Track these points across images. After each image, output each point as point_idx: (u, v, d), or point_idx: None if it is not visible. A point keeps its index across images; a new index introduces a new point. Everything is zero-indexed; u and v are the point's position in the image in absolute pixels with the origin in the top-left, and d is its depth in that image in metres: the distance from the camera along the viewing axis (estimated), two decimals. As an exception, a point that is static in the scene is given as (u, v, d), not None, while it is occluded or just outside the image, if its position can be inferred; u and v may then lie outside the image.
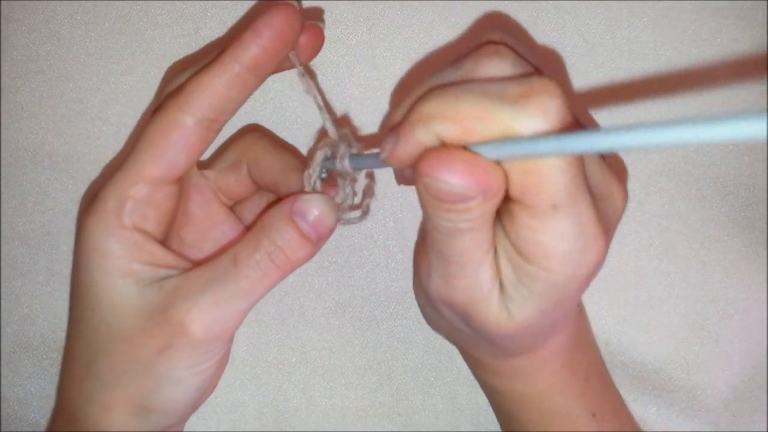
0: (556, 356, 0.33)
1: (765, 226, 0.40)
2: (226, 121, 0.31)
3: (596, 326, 0.41)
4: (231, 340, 0.32)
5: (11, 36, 0.40)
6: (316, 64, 0.40)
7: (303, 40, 0.32)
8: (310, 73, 0.32)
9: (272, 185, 0.35)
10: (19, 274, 0.41)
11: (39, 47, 0.40)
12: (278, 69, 0.32)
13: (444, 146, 0.25)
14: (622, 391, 0.41)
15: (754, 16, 0.39)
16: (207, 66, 0.30)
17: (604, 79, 0.39)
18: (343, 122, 0.40)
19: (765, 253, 0.41)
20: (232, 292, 0.30)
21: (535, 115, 0.23)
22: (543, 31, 0.39)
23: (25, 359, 0.42)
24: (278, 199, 0.35)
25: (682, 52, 0.39)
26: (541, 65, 0.29)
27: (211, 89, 0.30)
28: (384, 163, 0.28)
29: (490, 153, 0.24)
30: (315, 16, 0.39)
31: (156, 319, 0.30)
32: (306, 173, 0.33)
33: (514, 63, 0.27)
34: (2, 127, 0.40)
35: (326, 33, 0.39)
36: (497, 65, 0.27)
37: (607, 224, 0.28)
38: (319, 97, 0.33)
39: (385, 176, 0.40)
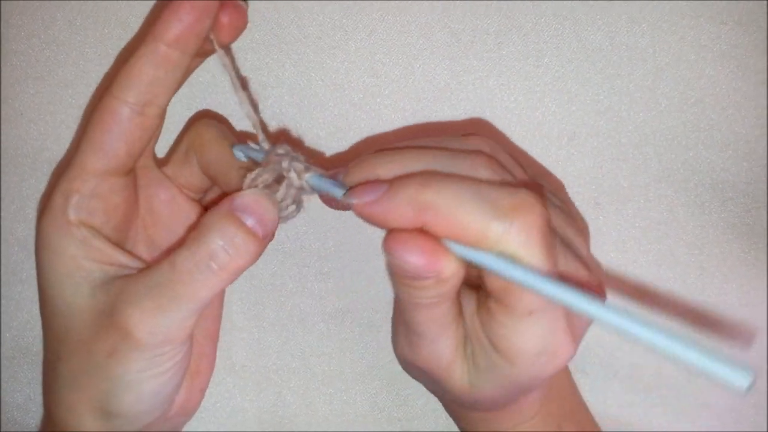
0: (527, 409, 0.34)
1: (764, 231, 0.40)
2: (162, 105, 0.31)
3: (597, 331, 0.41)
4: (185, 343, 0.30)
5: (10, 41, 0.40)
6: (315, 70, 0.40)
7: (225, 18, 0.31)
8: (230, 55, 0.33)
9: (215, 178, 0.34)
10: (18, 280, 0.41)
11: (38, 53, 0.40)
12: (202, 53, 0.32)
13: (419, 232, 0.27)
14: (623, 395, 0.42)
15: (753, 21, 0.39)
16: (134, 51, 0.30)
17: (602, 84, 0.39)
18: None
19: (764, 258, 0.41)
20: (170, 299, 0.28)
21: (519, 237, 0.25)
22: (541, 36, 0.39)
23: (24, 365, 0.42)
24: (220, 197, 0.34)
25: (681, 58, 0.39)
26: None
27: (137, 72, 0.30)
28: (344, 203, 0.29)
29: (465, 254, 0.26)
30: None
31: (104, 321, 0.29)
32: (248, 177, 0.31)
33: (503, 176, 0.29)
34: (2, 133, 0.40)
35: (325, 39, 0.39)
36: (489, 175, 0.29)
37: (578, 326, 0.29)
38: (236, 79, 0.32)
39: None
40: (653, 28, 0.39)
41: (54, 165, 0.40)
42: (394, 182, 0.27)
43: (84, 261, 0.30)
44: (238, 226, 0.29)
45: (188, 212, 0.35)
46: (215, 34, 0.32)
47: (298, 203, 0.32)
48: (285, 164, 0.31)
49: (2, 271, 0.41)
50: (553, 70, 0.39)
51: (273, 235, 0.30)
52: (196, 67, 0.34)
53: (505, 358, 0.28)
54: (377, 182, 0.28)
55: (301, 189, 0.31)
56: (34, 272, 0.41)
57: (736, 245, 0.40)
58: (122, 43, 0.39)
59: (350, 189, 0.28)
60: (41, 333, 0.41)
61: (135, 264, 0.31)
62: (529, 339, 0.27)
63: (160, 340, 0.29)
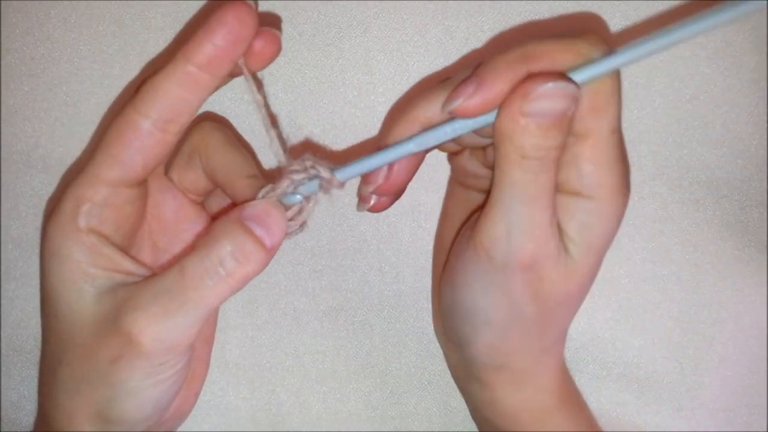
0: (555, 375, 0.34)
1: (759, 229, 0.40)
2: (184, 123, 0.30)
3: (591, 330, 0.41)
4: (187, 352, 0.30)
5: (4, 39, 0.40)
6: (309, 67, 0.40)
7: (258, 45, 0.30)
8: (258, 82, 0.32)
9: (221, 186, 0.34)
10: (12, 278, 0.41)
11: (32, 50, 0.40)
12: (228, 75, 0.31)
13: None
14: (618, 394, 0.41)
15: (748, 19, 0.39)
16: (163, 67, 0.30)
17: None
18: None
19: (760, 256, 0.40)
20: (179, 304, 0.28)
21: (598, 41, 0.28)
22: (535, 34, 0.39)
23: (18, 363, 0.42)
24: (229, 207, 0.34)
25: (675, 55, 0.39)
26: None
27: (164, 90, 0.29)
28: (457, 115, 0.29)
29: (577, 76, 0.28)
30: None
31: (109, 327, 0.29)
32: (262, 192, 0.31)
33: None
34: (-4, 130, 0.40)
35: (320, 36, 0.39)
36: None
37: None
38: (264, 108, 0.32)
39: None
40: (647, 24, 0.39)
41: (48, 162, 0.40)
42: (478, 67, 0.28)
43: (90, 267, 0.30)
44: (247, 234, 0.29)
45: (194, 219, 0.35)
46: (245, 59, 0.31)
47: (303, 223, 0.32)
48: (308, 163, 0.31)
49: (-3, 269, 0.41)
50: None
51: (280, 245, 0.30)
52: (220, 87, 0.33)
53: (592, 194, 0.29)
54: (461, 83, 0.28)
55: (330, 182, 0.31)
56: (28, 270, 0.41)
57: (731, 243, 0.40)
58: (116, 41, 0.40)
59: (446, 99, 0.29)
60: (36, 331, 0.41)
61: (141, 271, 0.31)
62: (614, 159, 0.29)
63: (165, 347, 0.29)
